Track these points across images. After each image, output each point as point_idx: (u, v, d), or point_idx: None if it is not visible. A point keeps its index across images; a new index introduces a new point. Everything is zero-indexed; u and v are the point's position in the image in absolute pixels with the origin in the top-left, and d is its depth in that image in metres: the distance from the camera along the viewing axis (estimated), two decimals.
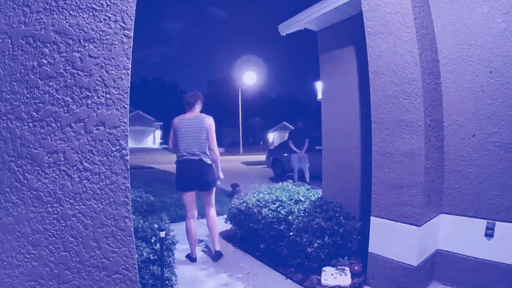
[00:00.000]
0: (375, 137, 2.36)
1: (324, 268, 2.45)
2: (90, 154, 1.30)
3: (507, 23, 2.02)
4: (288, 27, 3.46)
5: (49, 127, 1.23)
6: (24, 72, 1.19)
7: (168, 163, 14.80)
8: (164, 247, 2.04)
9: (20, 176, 1.19)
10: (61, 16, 1.25)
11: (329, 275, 2.38)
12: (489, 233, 2.09)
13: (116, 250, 1.34)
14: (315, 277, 2.43)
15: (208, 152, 2.95)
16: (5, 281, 1.17)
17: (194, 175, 2.88)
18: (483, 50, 2.13)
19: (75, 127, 1.28)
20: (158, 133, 40.96)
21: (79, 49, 1.28)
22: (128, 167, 1.37)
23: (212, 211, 3.06)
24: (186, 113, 3.03)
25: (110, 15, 1.34)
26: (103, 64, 1.32)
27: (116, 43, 1.35)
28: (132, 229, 1.38)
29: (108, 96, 1.33)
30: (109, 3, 1.34)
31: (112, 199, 1.34)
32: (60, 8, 1.25)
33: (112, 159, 1.34)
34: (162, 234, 2.00)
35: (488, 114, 2.13)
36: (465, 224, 2.22)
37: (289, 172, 7.96)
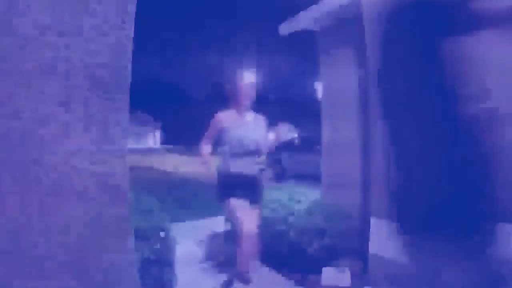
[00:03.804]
0: (375, 137, 2.36)
1: (324, 268, 2.45)
2: (90, 154, 1.30)
3: None
4: (288, 27, 3.47)
5: (49, 127, 1.23)
6: (24, 72, 1.19)
7: (168, 163, 14.79)
8: (164, 247, 2.04)
9: (20, 176, 1.19)
10: (62, 16, 1.25)
11: (329, 275, 2.38)
12: None
13: (116, 250, 1.34)
14: (315, 277, 2.43)
15: None
16: (5, 281, 1.17)
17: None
18: None
19: (75, 127, 1.28)
20: (158, 133, 40.92)
21: (79, 49, 1.28)
22: (128, 167, 1.38)
23: None
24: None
25: (111, 15, 1.34)
26: (103, 64, 1.33)
27: (117, 43, 1.35)
28: (132, 229, 1.38)
29: (108, 96, 1.34)
30: (110, 3, 1.34)
31: (112, 199, 1.34)
32: (60, 8, 1.25)
33: (112, 159, 1.34)
34: (162, 234, 2.00)
35: None
36: None
37: (289, 172, 7.99)
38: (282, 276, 2.58)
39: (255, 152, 2.34)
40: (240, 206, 2.19)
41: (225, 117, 2.34)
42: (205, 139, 2.39)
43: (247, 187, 2.28)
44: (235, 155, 2.25)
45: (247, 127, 2.32)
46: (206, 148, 2.37)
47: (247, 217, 2.17)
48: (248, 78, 2.37)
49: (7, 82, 1.17)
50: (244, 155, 2.27)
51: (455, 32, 1.81)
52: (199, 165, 2.48)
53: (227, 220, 3.59)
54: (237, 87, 2.33)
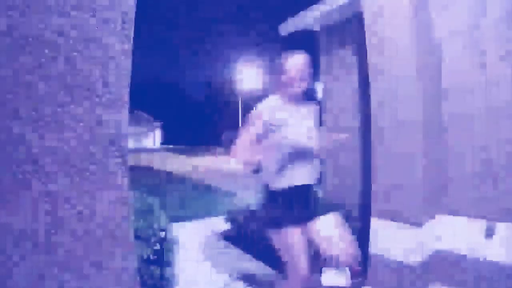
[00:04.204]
0: (375, 136, 2.36)
1: (324, 268, 2.44)
2: (90, 154, 1.30)
3: None
4: (288, 27, 3.47)
5: (49, 127, 1.23)
6: (24, 72, 1.19)
7: (168, 163, 14.84)
8: (164, 247, 2.04)
9: (20, 176, 1.19)
10: (62, 16, 1.25)
11: (329, 275, 2.38)
12: (489, 233, 2.09)
13: (116, 250, 1.34)
14: (315, 277, 2.43)
15: None
16: (4, 280, 1.17)
17: None
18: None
19: (75, 127, 1.28)
20: (158, 133, 40.94)
21: (79, 49, 1.28)
22: (128, 167, 1.37)
23: None
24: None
25: (111, 15, 1.34)
26: (103, 64, 1.33)
27: (116, 43, 1.35)
28: (132, 229, 1.38)
29: (108, 96, 1.33)
30: (110, 3, 1.34)
31: (111, 199, 1.34)
32: (60, 8, 1.25)
33: (111, 159, 1.34)
34: (162, 234, 2.00)
35: None
36: (465, 224, 2.22)
37: None
38: (283, 275, 2.58)
39: (311, 156, 1.72)
40: (295, 234, 1.62)
41: (270, 110, 1.65)
42: (241, 143, 1.62)
43: (303, 205, 1.71)
44: (287, 161, 1.63)
45: (301, 122, 1.71)
46: (246, 155, 1.60)
47: (303, 249, 1.59)
48: (303, 59, 1.72)
49: (7, 82, 1.17)
50: (298, 160, 1.65)
51: None
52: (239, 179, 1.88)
53: (227, 220, 3.60)
54: (290, 67, 1.68)
